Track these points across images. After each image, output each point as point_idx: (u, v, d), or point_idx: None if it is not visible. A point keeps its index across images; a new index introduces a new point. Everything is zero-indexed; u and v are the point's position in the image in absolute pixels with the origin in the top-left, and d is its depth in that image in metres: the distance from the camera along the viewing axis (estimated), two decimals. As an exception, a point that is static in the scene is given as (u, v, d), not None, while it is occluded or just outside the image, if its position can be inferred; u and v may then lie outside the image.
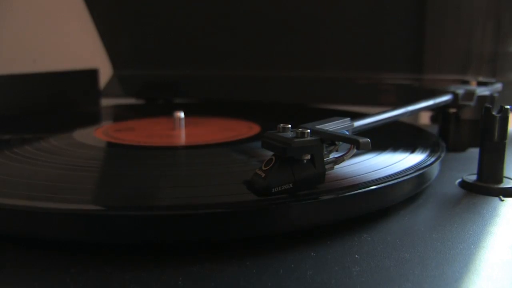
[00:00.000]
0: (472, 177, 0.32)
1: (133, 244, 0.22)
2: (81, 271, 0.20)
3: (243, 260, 0.21)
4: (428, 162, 0.30)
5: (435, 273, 0.20)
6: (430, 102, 0.36)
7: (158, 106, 0.68)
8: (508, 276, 0.20)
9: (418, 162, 0.30)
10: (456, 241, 0.23)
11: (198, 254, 0.22)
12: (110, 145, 0.38)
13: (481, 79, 0.45)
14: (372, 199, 0.25)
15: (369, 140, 0.22)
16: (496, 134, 0.30)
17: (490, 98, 0.41)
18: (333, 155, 0.25)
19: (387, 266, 0.21)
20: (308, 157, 0.24)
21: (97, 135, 0.41)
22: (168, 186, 0.27)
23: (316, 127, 0.25)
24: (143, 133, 0.42)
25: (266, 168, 0.23)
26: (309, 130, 0.24)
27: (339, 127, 0.26)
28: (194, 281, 0.19)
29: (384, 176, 0.27)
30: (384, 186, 0.25)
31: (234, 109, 0.59)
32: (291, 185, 0.23)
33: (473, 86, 0.42)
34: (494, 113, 0.30)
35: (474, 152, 0.37)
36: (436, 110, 0.47)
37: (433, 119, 0.53)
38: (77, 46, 0.80)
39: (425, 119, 0.59)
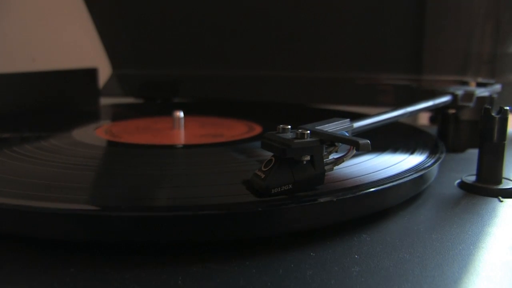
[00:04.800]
0: (471, 178, 0.32)
1: (133, 244, 0.22)
2: (81, 271, 0.20)
3: (243, 260, 0.21)
4: (428, 164, 0.30)
5: (435, 274, 0.20)
6: (430, 103, 0.36)
7: (157, 106, 0.68)
8: (507, 276, 0.20)
9: (418, 164, 0.30)
10: (455, 242, 0.23)
11: (198, 254, 0.22)
12: (109, 144, 0.38)
13: (480, 80, 0.45)
14: (372, 201, 0.25)
15: (368, 141, 0.22)
16: (495, 135, 0.30)
17: (489, 99, 0.41)
18: (333, 156, 0.25)
19: (386, 266, 0.21)
20: (308, 158, 0.24)
21: (96, 134, 0.41)
22: (167, 186, 0.27)
23: (316, 128, 0.25)
24: (142, 132, 0.42)
25: (265, 169, 0.23)
26: (308, 131, 0.24)
27: (338, 128, 0.26)
28: (194, 281, 0.19)
29: (384, 178, 0.27)
30: (384, 188, 0.25)
31: (234, 109, 0.59)
32: (290, 186, 0.23)
33: (472, 87, 0.42)
34: (493, 114, 0.30)
35: (473, 153, 0.37)
36: (436, 111, 0.47)
37: (432, 120, 0.53)
38: (77, 45, 0.80)
39: (424, 120, 0.60)
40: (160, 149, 0.36)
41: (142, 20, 0.71)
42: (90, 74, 0.65)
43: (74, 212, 0.22)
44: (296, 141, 0.23)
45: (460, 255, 0.22)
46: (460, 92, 0.39)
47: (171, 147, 0.37)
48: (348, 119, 0.28)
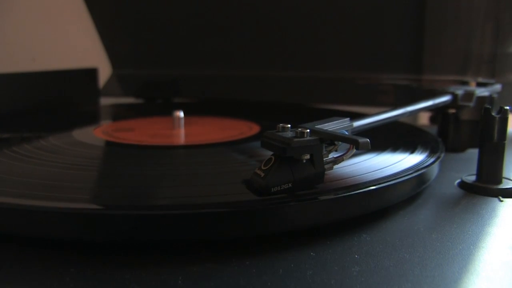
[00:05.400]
0: (472, 178, 0.32)
1: (133, 243, 0.22)
2: (81, 271, 0.20)
3: (243, 260, 0.21)
4: (428, 163, 0.30)
5: (435, 273, 0.20)
6: (430, 103, 0.36)
7: (157, 106, 0.68)
8: (507, 276, 0.20)
9: (418, 163, 0.30)
10: (455, 242, 0.23)
11: (198, 254, 0.22)
12: (109, 144, 0.38)
13: (480, 80, 0.45)
14: (372, 200, 0.25)
15: (368, 140, 0.22)
16: (495, 134, 0.30)
17: (489, 99, 0.41)
18: (333, 155, 0.25)
19: (386, 266, 0.21)
20: (308, 156, 0.24)
21: (96, 134, 0.41)
22: (167, 185, 0.27)
23: (316, 127, 0.25)
24: (142, 132, 0.42)
25: (265, 168, 0.23)
26: (308, 130, 0.24)
27: (338, 127, 0.26)
28: (194, 281, 0.19)
29: (384, 177, 0.27)
30: (384, 187, 0.25)
31: (234, 108, 0.59)
32: (290, 184, 0.23)
33: (472, 87, 0.42)
34: (493, 113, 0.30)
35: (473, 153, 0.37)
36: (436, 111, 0.47)
37: (432, 119, 0.53)
38: (77, 45, 0.80)
39: (424, 119, 0.60)
40: (160, 149, 0.36)
41: (142, 20, 0.71)
42: (90, 74, 0.65)
43: (74, 211, 0.22)
44: (296, 139, 0.23)
45: (460, 255, 0.22)
46: (460, 92, 0.39)
47: (171, 147, 0.37)
48: (348, 118, 0.27)
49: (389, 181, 0.26)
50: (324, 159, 0.24)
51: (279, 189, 0.23)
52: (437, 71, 0.56)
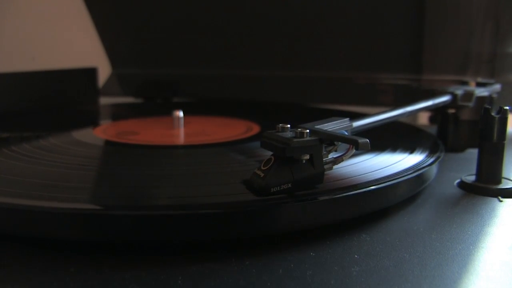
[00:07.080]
0: (471, 178, 0.32)
1: (133, 243, 0.22)
2: (81, 270, 0.20)
3: (242, 260, 0.21)
4: (427, 163, 0.30)
5: (434, 273, 0.20)
6: (429, 103, 0.36)
7: (156, 105, 0.68)
8: (506, 276, 0.20)
9: (417, 163, 0.30)
10: (455, 242, 0.23)
11: (198, 254, 0.22)
12: (108, 144, 0.38)
13: (480, 79, 0.45)
14: (371, 200, 0.25)
15: (368, 140, 0.22)
16: (495, 135, 0.30)
17: (489, 99, 0.41)
18: (332, 155, 0.25)
19: (386, 266, 0.21)
20: (307, 157, 0.24)
21: (95, 134, 0.41)
22: (166, 185, 0.27)
23: (315, 127, 0.25)
24: (141, 132, 0.42)
25: (265, 168, 0.23)
26: (308, 130, 0.24)
27: (338, 127, 0.26)
28: (194, 281, 0.19)
29: (383, 177, 0.27)
30: (383, 187, 0.25)
31: (233, 108, 0.59)
32: (290, 185, 0.23)
33: (472, 87, 0.42)
34: (493, 113, 0.30)
35: (473, 153, 0.38)
36: (435, 111, 0.47)
37: (432, 119, 0.53)
38: (76, 44, 0.80)
39: (423, 119, 0.60)
40: (160, 149, 0.36)
41: (142, 20, 0.71)
42: (90, 73, 0.65)
43: (74, 211, 0.22)
44: (295, 140, 0.23)
45: (459, 255, 0.22)
46: (459, 91, 0.39)
47: (171, 147, 0.37)
48: (347, 118, 0.27)
49: (389, 181, 0.26)
50: (324, 159, 0.24)
51: (278, 189, 0.23)
52: (437, 71, 0.56)
